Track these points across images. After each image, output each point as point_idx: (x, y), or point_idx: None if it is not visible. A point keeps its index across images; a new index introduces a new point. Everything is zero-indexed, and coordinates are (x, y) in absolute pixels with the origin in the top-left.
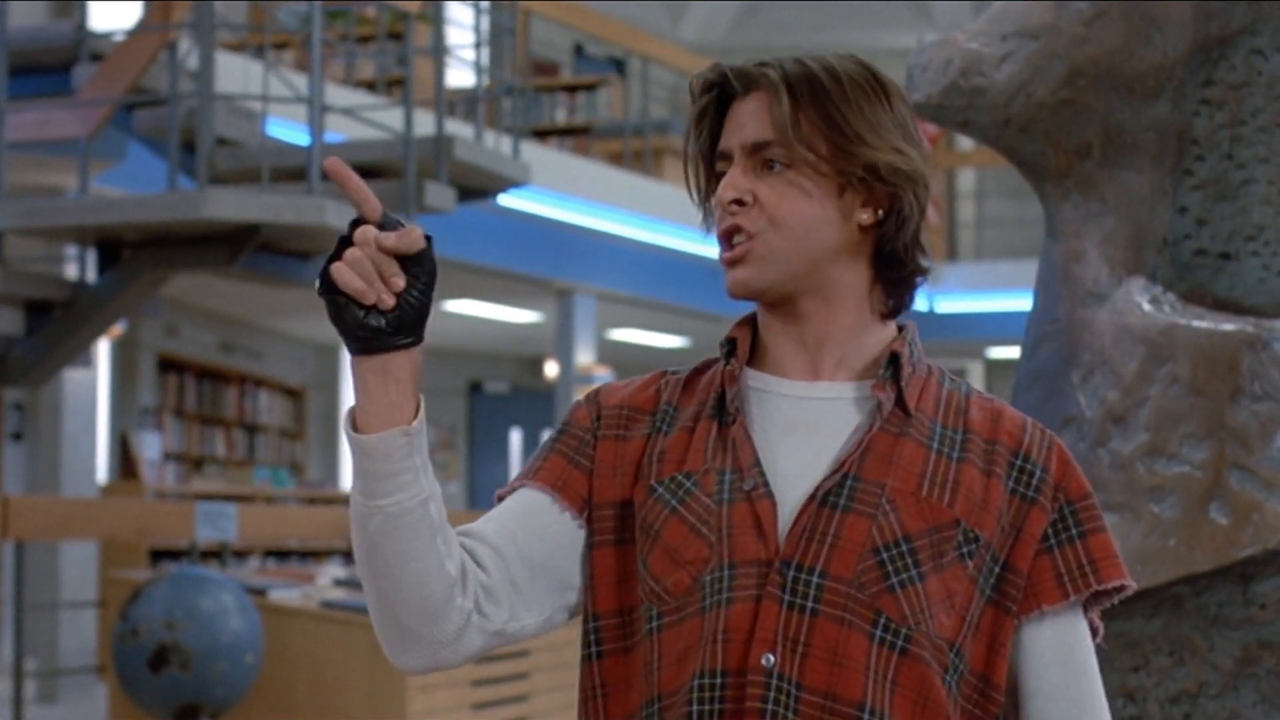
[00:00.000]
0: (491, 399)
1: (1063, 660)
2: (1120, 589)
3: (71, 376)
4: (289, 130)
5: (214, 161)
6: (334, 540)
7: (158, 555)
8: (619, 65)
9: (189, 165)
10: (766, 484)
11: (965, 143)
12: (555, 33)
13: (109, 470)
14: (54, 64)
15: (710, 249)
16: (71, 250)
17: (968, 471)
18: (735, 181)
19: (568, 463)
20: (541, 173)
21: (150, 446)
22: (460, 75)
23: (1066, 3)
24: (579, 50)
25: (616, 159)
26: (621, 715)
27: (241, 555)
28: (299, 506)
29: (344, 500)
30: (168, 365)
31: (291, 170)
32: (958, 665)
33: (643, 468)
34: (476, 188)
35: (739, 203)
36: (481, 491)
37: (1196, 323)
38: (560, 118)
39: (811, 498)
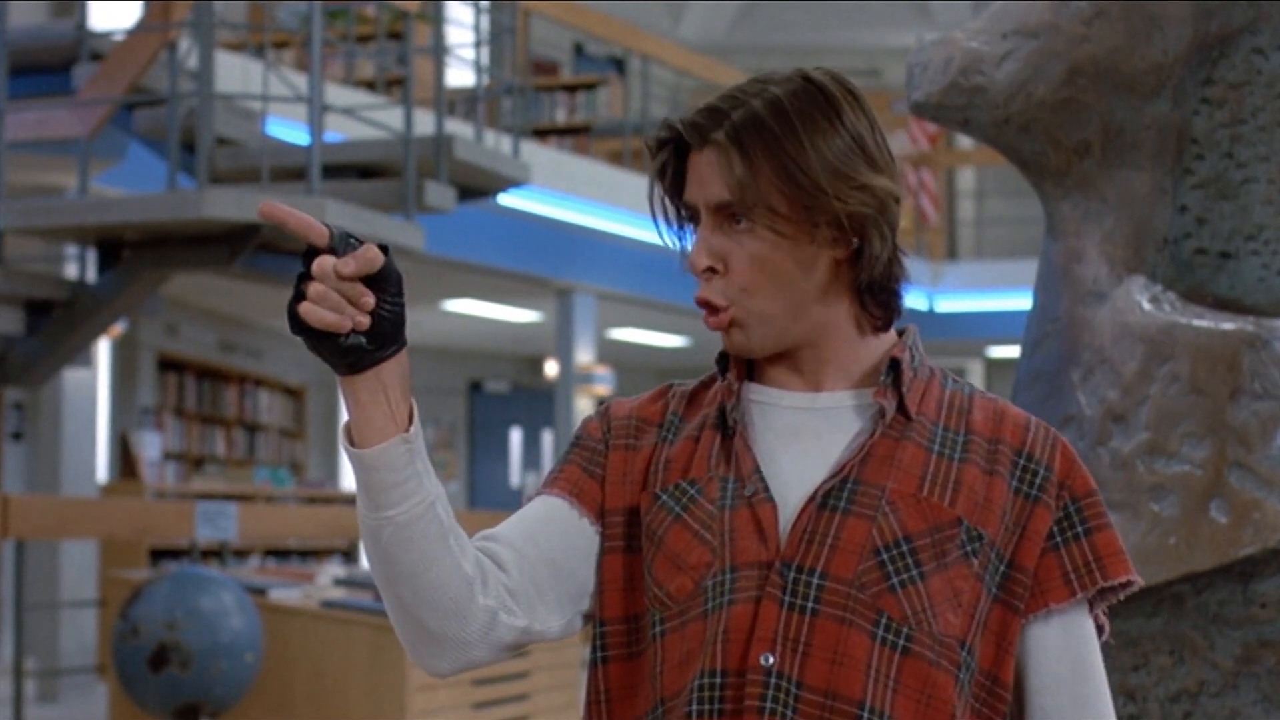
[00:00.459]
0: (491, 398)
1: (1068, 657)
2: (1127, 585)
3: (71, 376)
4: (289, 130)
5: (214, 161)
6: (334, 539)
7: (158, 555)
8: (619, 65)
9: (189, 165)
10: (767, 489)
11: (965, 141)
12: (555, 32)
13: (109, 470)
14: (54, 63)
15: None
16: (71, 250)
17: (969, 472)
18: (706, 245)
19: (583, 472)
20: (541, 172)
21: (150, 446)
22: (460, 75)
23: (1066, 1)
24: (579, 50)
25: (616, 158)
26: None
27: (241, 555)
28: (299, 506)
29: (344, 500)
30: (168, 365)
31: (291, 170)
32: (969, 663)
33: (649, 476)
34: (476, 187)
35: (711, 270)
36: (481, 490)
37: (1197, 321)
38: (560, 117)
39: (811, 499)
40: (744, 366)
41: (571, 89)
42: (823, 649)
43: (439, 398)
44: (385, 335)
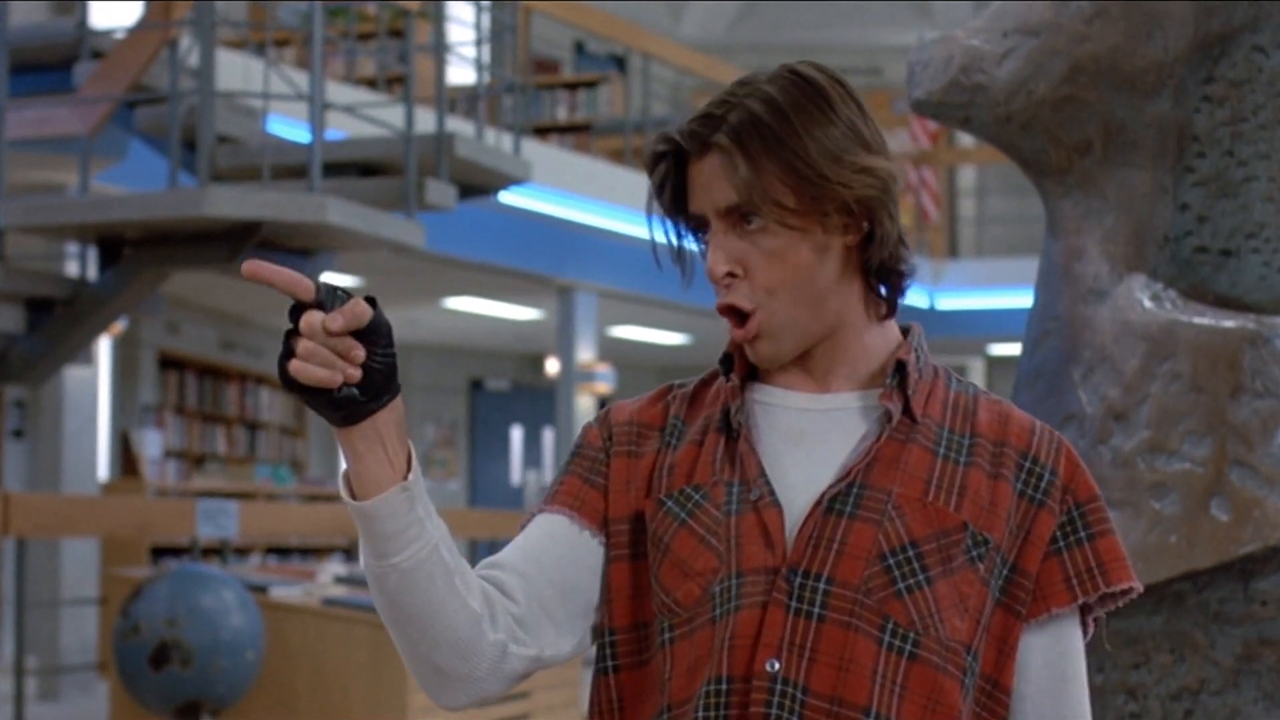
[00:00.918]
0: (492, 396)
1: (1057, 666)
2: (1127, 592)
3: (72, 374)
4: (290, 128)
5: (215, 159)
6: (335, 537)
7: (159, 552)
8: (620, 63)
9: (190, 163)
10: (773, 493)
11: (966, 140)
12: (556, 30)
13: (110, 468)
14: (55, 61)
15: None
16: (72, 248)
17: (974, 475)
18: (722, 251)
19: (583, 483)
20: (542, 170)
21: (151, 444)
22: (461, 72)
23: (1067, 0)
24: (580, 48)
25: (617, 156)
26: None
27: (242, 552)
28: (300, 504)
29: None
30: (168, 362)
31: (292, 167)
32: (973, 668)
33: (653, 482)
34: (477, 185)
35: (731, 275)
36: (482, 489)
37: (1197, 319)
38: (561, 115)
39: (818, 504)
40: (746, 366)
41: (572, 87)
42: (829, 655)
43: (440, 396)
44: (378, 386)
